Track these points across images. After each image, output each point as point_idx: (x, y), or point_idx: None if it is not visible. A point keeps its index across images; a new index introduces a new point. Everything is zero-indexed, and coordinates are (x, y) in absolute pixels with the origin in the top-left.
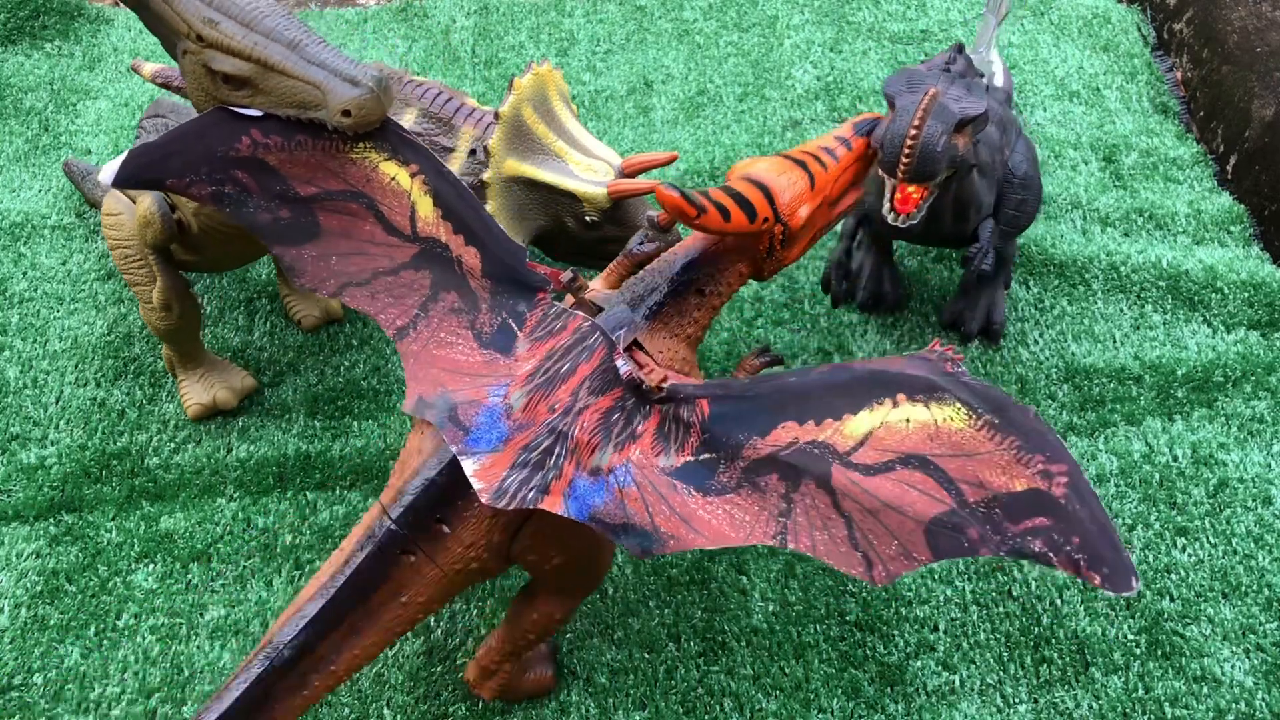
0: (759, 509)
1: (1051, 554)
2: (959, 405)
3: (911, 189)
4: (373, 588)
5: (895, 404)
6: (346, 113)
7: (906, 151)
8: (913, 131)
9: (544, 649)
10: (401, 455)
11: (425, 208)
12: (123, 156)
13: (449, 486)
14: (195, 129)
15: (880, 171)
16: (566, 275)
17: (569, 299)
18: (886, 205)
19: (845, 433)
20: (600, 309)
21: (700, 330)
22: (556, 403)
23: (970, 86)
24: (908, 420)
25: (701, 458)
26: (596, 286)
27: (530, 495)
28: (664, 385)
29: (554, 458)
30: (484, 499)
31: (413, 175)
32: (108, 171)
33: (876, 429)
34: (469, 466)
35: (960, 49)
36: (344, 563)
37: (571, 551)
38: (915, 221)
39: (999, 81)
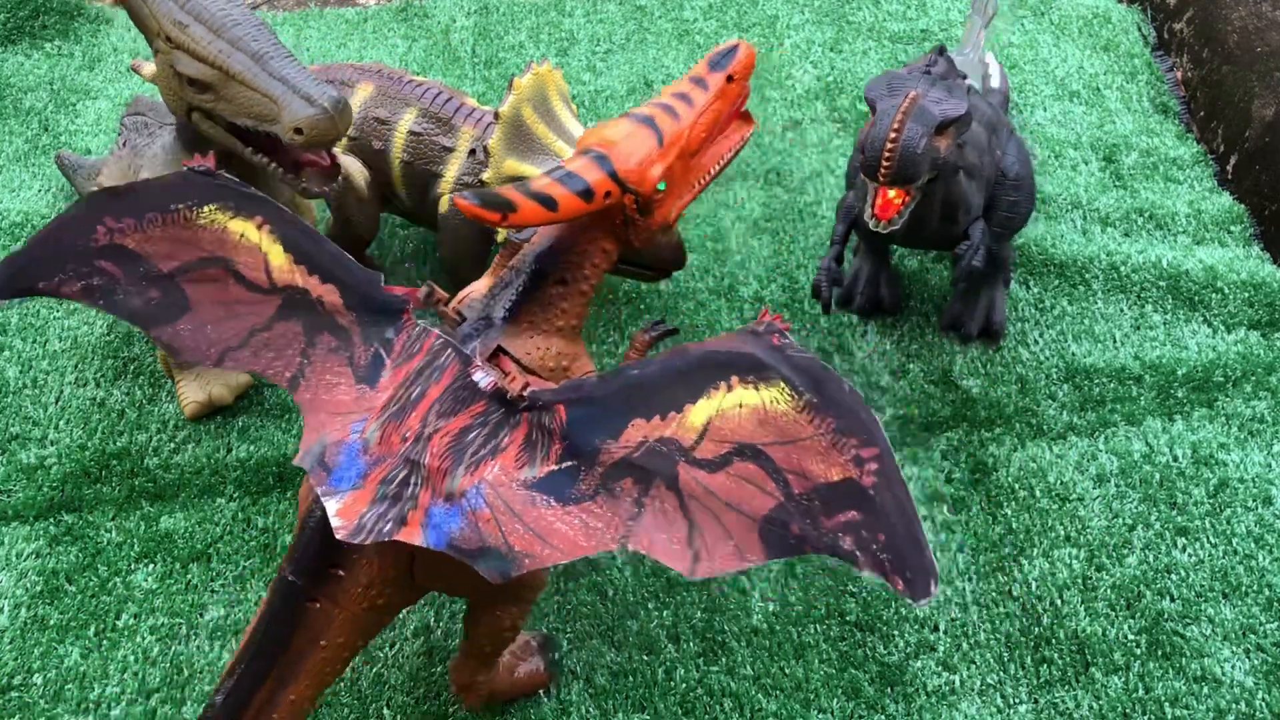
0: (611, 514)
1: (859, 553)
2: (782, 385)
3: (893, 194)
4: (288, 638)
5: (729, 388)
6: (299, 130)
7: (887, 155)
8: (892, 135)
9: (532, 644)
10: (300, 504)
11: (277, 256)
12: None
13: (330, 533)
14: (51, 230)
15: (862, 175)
16: (423, 291)
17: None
18: (868, 211)
19: (687, 425)
20: (462, 319)
21: (574, 319)
22: (408, 431)
23: (951, 88)
24: (740, 405)
25: (564, 465)
26: (479, 287)
27: (387, 529)
28: (524, 394)
29: (410, 489)
30: (340, 536)
31: (259, 227)
32: None
33: (714, 418)
34: (331, 506)
35: (942, 51)
36: (260, 619)
37: (475, 573)
38: (897, 227)
39: (995, 83)
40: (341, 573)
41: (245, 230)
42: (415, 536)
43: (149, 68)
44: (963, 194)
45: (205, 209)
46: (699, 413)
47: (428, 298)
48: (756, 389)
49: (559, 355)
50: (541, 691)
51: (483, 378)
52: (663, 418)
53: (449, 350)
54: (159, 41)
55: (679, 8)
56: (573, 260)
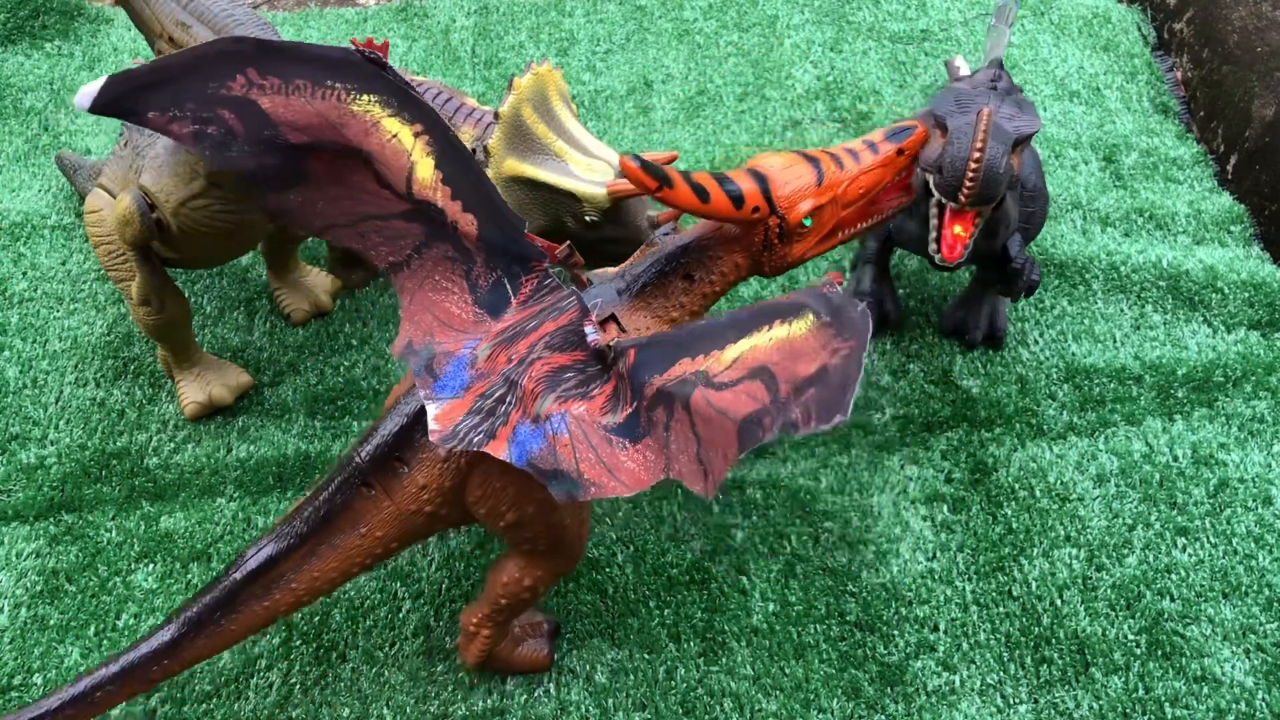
0: (657, 445)
1: (799, 416)
2: (809, 314)
3: (959, 229)
4: (335, 515)
5: (770, 328)
6: None
7: (971, 175)
8: (975, 154)
9: (544, 625)
10: (387, 401)
11: (425, 170)
12: (102, 80)
13: (412, 428)
14: (185, 60)
15: (936, 198)
16: (562, 250)
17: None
18: (934, 247)
19: (722, 360)
20: (590, 284)
21: (686, 316)
22: (514, 354)
23: (1020, 104)
24: (771, 338)
25: (634, 408)
26: (609, 270)
27: (477, 439)
28: (612, 344)
29: (504, 405)
30: (434, 439)
31: (416, 135)
32: (84, 95)
33: (746, 352)
34: (431, 410)
35: (1000, 65)
36: (315, 491)
37: (523, 508)
38: (964, 261)
39: None
40: (405, 468)
41: (400, 133)
42: (501, 450)
43: None
44: (1007, 209)
45: (364, 97)
46: (736, 349)
47: (567, 257)
48: (788, 323)
49: None
50: (541, 691)
51: (591, 332)
52: (705, 355)
53: (574, 298)
54: (161, 43)
55: (679, 8)
56: (705, 262)
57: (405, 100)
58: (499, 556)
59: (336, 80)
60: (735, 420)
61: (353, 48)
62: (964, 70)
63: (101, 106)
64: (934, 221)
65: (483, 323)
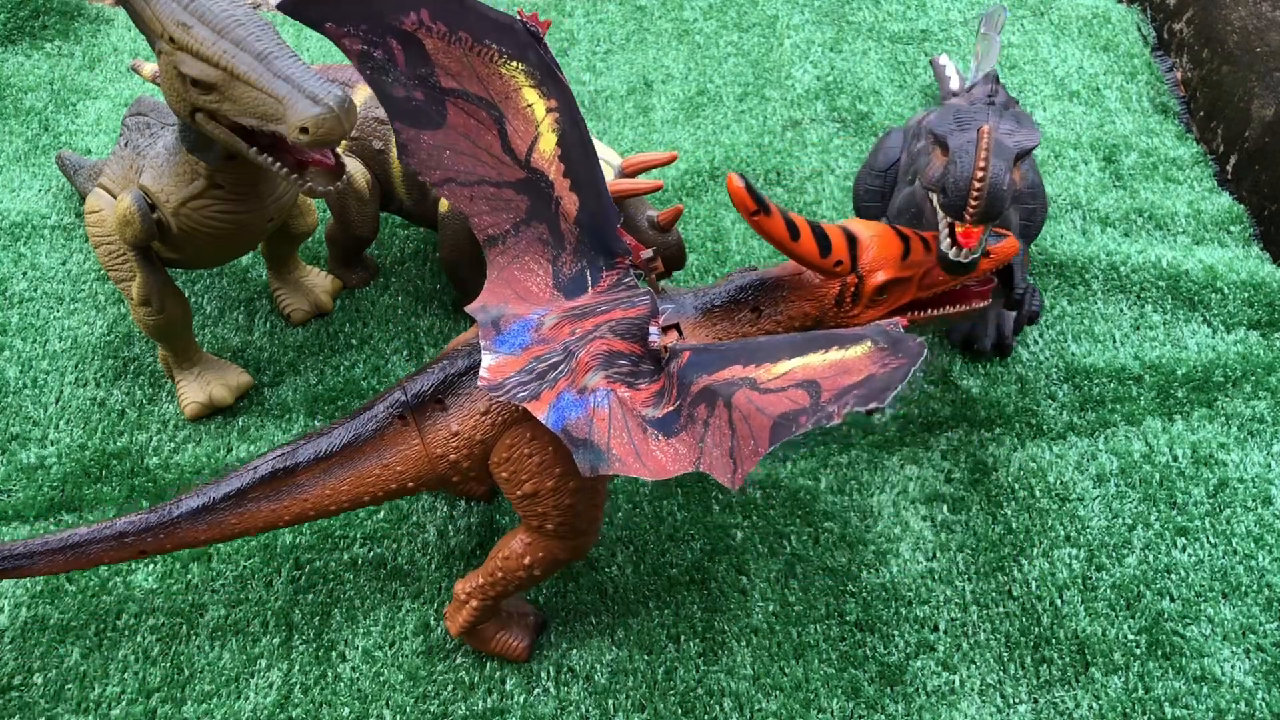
0: (691, 439)
1: (834, 409)
2: (868, 342)
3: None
4: (364, 439)
5: (826, 351)
6: (305, 129)
7: (975, 194)
8: (979, 173)
9: (530, 618)
10: (448, 346)
11: (548, 143)
12: None
13: (462, 374)
14: None
15: (941, 215)
16: (647, 253)
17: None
18: (947, 242)
19: (773, 371)
20: (664, 292)
21: None
22: (579, 329)
23: (1019, 117)
24: (825, 359)
25: (675, 406)
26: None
27: (522, 395)
28: (668, 345)
29: (556, 371)
30: (482, 385)
31: (549, 109)
32: None
33: (797, 367)
34: (486, 360)
35: (996, 79)
36: (355, 413)
37: (542, 481)
38: (978, 254)
39: (954, 85)
40: (443, 411)
41: (535, 103)
42: (540, 411)
43: (149, 68)
44: (1007, 217)
45: (514, 63)
46: (788, 363)
47: (648, 261)
48: (845, 349)
49: None
50: (540, 690)
51: (655, 333)
52: (758, 365)
53: (648, 296)
54: (162, 43)
55: (679, 8)
56: (776, 300)
57: (548, 76)
58: (508, 533)
59: (495, 41)
60: (771, 417)
61: (518, 17)
62: (950, 69)
63: (290, 8)
64: (944, 231)
65: (556, 301)
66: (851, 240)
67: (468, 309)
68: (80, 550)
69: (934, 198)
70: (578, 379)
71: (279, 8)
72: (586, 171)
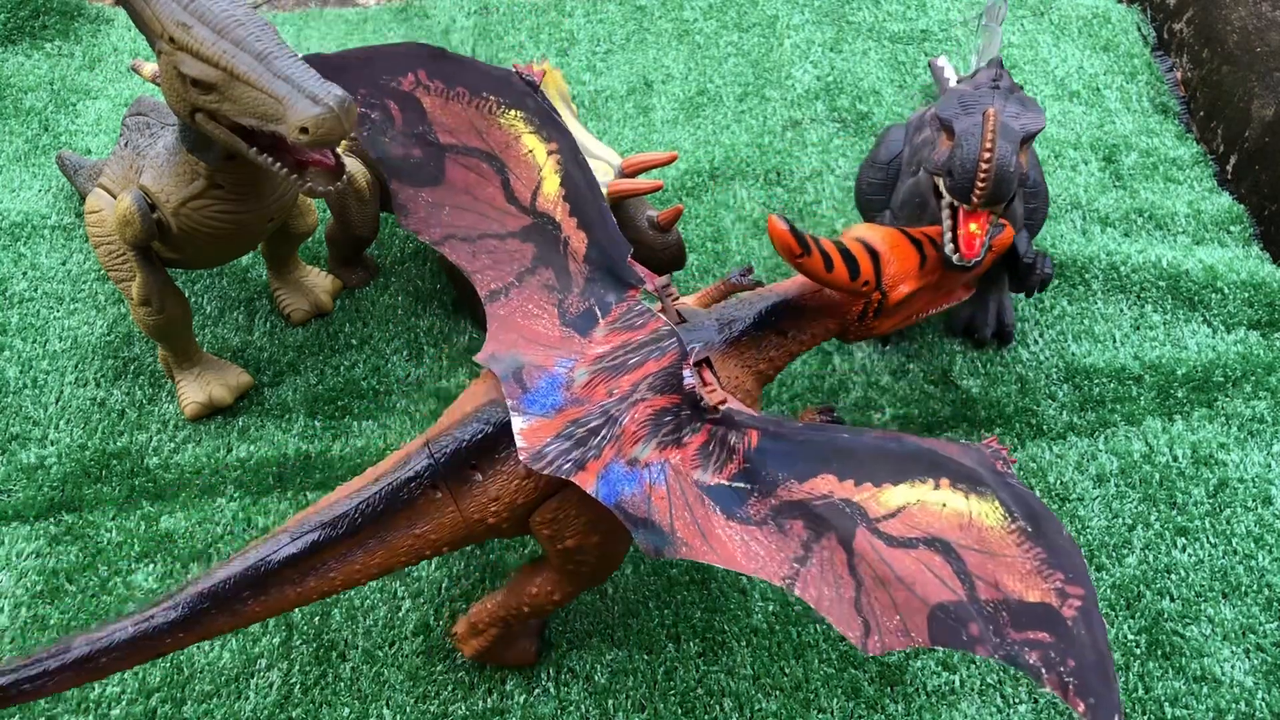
0: (776, 549)
1: (1044, 669)
2: (997, 504)
3: (974, 226)
4: (393, 511)
5: (936, 486)
6: (305, 129)
7: (982, 176)
8: (985, 155)
9: (532, 624)
10: (457, 401)
11: (551, 185)
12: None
13: (493, 438)
14: (369, 53)
15: (947, 200)
16: (661, 281)
17: (659, 305)
18: (950, 248)
19: (880, 500)
20: (684, 320)
21: (773, 369)
22: (616, 388)
23: (1024, 101)
24: (944, 505)
25: (736, 485)
26: (687, 303)
27: (567, 467)
28: (721, 407)
29: (599, 438)
30: (522, 457)
31: (550, 154)
32: None
33: (911, 504)
34: (518, 424)
35: (1000, 64)
36: (374, 479)
37: (587, 538)
38: (980, 259)
39: (953, 84)
40: (479, 476)
41: (535, 149)
42: (589, 484)
43: (149, 68)
44: (1015, 206)
45: (512, 113)
46: (897, 494)
47: (663, 289)
48: (967, 497)
49: (746, 393)
50: (540, 690)
51: (688, 376)
52: (856, 484)
53: (674, 339)
54: (161, 43)
55: (679, 8)
56: (800, 321)
57: (546, 121)
58: (531, 566)
59: (492, 93)
60: (924, 600)
61: (513, 69)
62: (948, 70)
63: None
64: (948, 223)
65: (570, 339)
66: (874, 257)
67: (478, 359)
68: (92, 665)
69: (941, 182)
70: (624, 449)
71: None
72: (593, 209)
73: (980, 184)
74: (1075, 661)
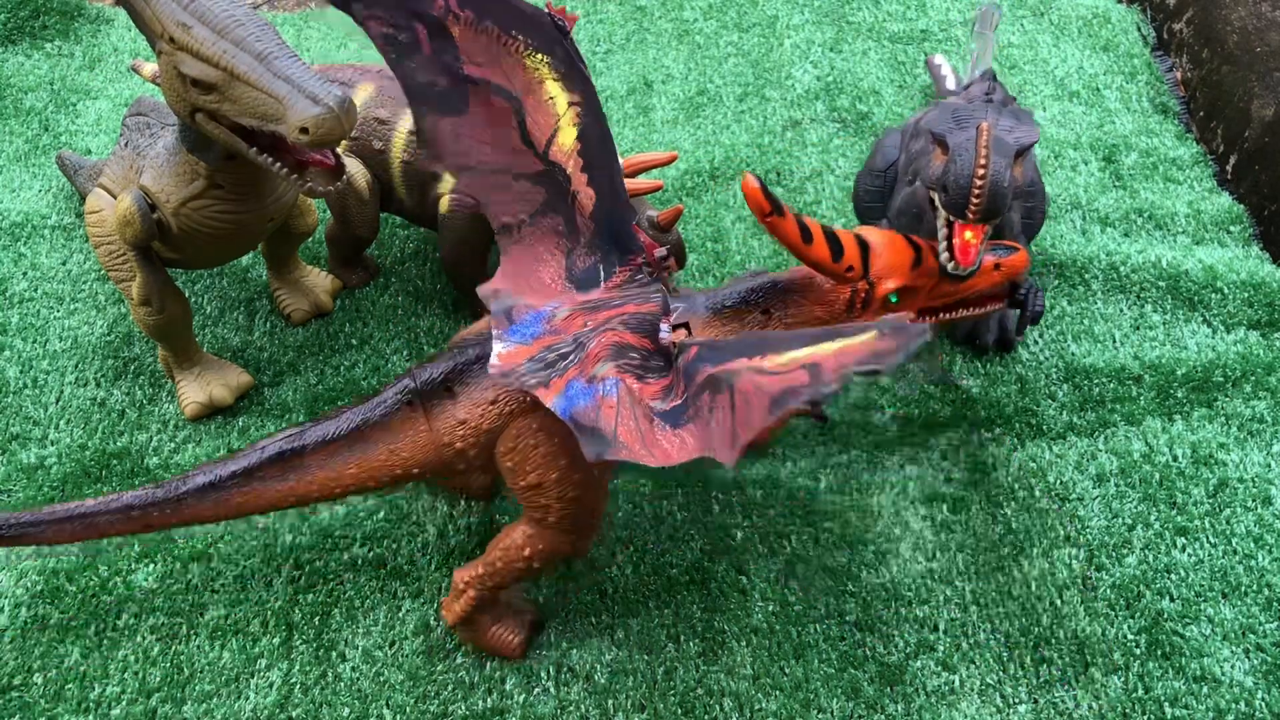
0: (699, 429)
1: (832, 385)
2: (874, 331)
3: (969, 235)
4: (372, 424)
5: (834, 341)
6: (305, 129)
7: (977, 191)
8: (980, 170)
9: (527, 616)
10: (456, 336)
11: (567, 137)
12: None
13: (471, 363)
14: None
15: (943, 215)
16: (661, 252)
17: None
18: (945, 256)
19: (779, 360)
20: (676, 292)
21: None
22: (591, 321)
23: (1017, 114)
24: (831, 347)
25: (684, 399)
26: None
27: (531, 382)
28: (678, 342)
29: (566, 361)
30: (492, 372)
31: (570, 104)
32: None
33: (802, 356)
34: (496, 348)
35: (993, 76)
36: (363, 399)
37: (545, 473)
38: (976, 267)
39: (950, 84)
40: (452, 398)
41: (557, 96)
42: (549, 399)
43: (149, 68)
44: (1009, 216)
45: (539, 56)
46: (795, 353)
47: (661, 260)
48: (851, 337)
49: None
50: (540, 690)
51: (666, 331)
52: (763, 356)
53: (660, 293)
54: (162, 43)
55: (679, 8)
56: (786, 304)
57: (572, 70)
58: (510, 525)
59: (522, 33)
60: (770, 394)
61: (546, 10)
62: (945, 68)
63: None
64: (943, 233)
65: (568, 293)
66: (864, 246)
67: (479, 290)
68: (88, 520)
69: (936, 197)
70: (587, 368)
71: None
72: (605, 168)
73: (975, 200)
74: (859, 363)
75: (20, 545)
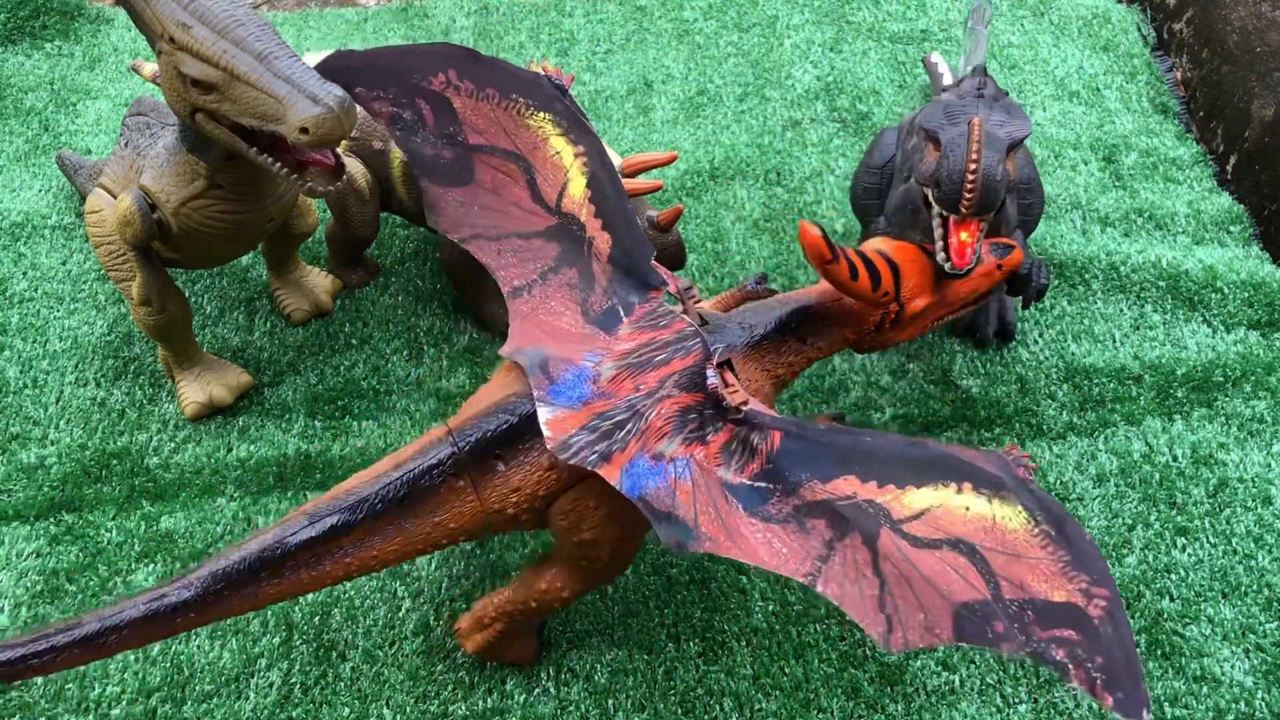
0: (799, 546)
1: (1071, 666)
2: (1020, 508)
3: (964, 235)
4: (416, 499)
5: (959, 490)
6: (305, 129)
7: (969, 186)
8: (971, 165)
9: (534, 622)
10: (479, 392)
11: (577, 188)
12: (328, 51)
13: (519, 428)
14: (401, 53)
15: (936, 210)
16: (684, 283)
17: (680, 307)
18: (942, 256)
19: (904, 502)
20: (706, 323)
21: (790, 374)
22: (643, 384)
23: (1009, 108)
24: (967, 508)
25: (758, 485)
26: (705, 307)
27: (592, 458)
28: (743, 407)
29: (624, 432)
30: (549, 446)
31: (576, 156)
32: (311, 59)
33: (935, 507)
34: (544, 414)
35: (985, 71)
36: (394, 466)
37: (603, 533)
38: (973, 266)
39: (947, 81)
40: (501, 466)
41: (563, 151)
42: (613, 477)
43: (149, 68)
44: (1006, 210)
45: (540, 115)
46: (920, 497)
47: (685, 290)
48: (990, 501)
49: (764, 397)
50: (540, 690)
51: (711, 376)
52: (879, 485)
53: (699, 339)
54: (162, 43)
55: (679, 8)
56: (819, 329)
57: (574, 124)
58: (541, 562)
59: (521, 95)
60: (948, 599)
61: (542, 73)
62: (942, 67)
63: (323, 73)
64: (939, 231)
65: (595, 336)
66: (894, 269)
67: (503, 353)
68: (98, 641)
69: (929, 193)
70: (649, 442)
71: (316, 69)
72: (619, 211)
73: (968, 194)
74: (1102, 658)
75: (34, 676)
